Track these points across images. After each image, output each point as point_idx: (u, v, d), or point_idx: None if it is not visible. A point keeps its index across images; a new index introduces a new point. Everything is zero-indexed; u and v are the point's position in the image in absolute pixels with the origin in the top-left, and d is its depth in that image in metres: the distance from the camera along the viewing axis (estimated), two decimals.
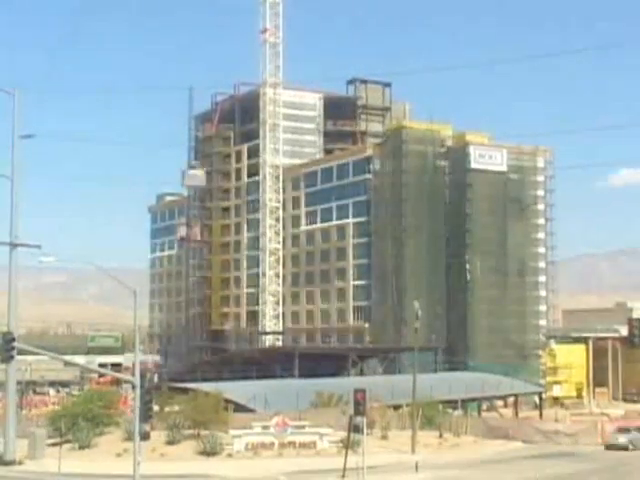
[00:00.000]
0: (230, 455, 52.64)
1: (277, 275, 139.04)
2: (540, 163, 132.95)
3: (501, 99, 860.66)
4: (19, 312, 52.95)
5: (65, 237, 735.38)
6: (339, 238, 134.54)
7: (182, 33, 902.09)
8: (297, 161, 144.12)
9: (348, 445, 46.56)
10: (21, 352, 43.58)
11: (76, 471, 46.89)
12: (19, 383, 69.51)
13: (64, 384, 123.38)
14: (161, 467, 47.07)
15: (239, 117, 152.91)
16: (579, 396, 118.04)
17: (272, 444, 53.80)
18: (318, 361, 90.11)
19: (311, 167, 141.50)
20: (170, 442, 54.15)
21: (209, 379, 78.65)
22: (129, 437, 47.12)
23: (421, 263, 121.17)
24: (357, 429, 45.00)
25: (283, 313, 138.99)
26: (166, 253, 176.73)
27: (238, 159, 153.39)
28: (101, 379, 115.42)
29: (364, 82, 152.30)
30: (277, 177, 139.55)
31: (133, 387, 40.83)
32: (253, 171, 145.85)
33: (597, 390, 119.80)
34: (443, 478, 46.58)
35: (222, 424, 55.72)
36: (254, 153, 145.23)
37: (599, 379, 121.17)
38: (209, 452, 52.24)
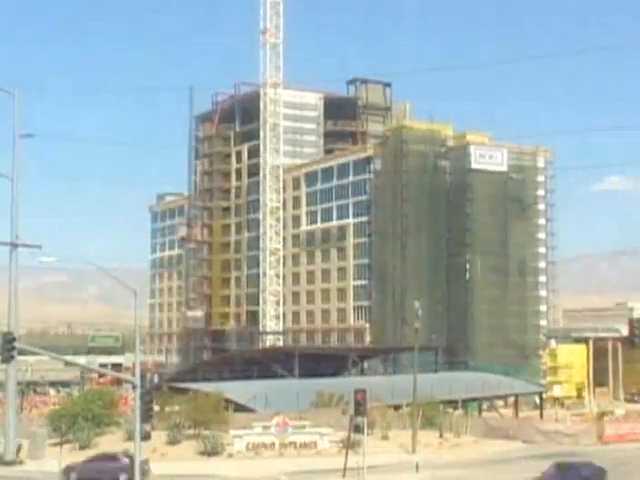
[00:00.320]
0: (231, 455, 52.67)
1: (277, 275, 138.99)
2: (540, 163, 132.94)
3: (501, 99, 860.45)
4: (19, 312, 52.94)
5: (65, 237, 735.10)
6: (339, 238, 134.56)
7: (182, 33, 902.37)
8: (297, 161, 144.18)
9: (349, 445, 46.56)
10: (21, 352, 43.58)
11: None
12: (20, 383, 69.47)
13: (64, 384, 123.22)
14: (162, 467, 47.05)
15: (239, 117, 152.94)
16: (579, 396, 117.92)
17: (273, 444, 53.84)
18: (318, 361, 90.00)
19: (311, 167, 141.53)
20: (171, 442, 54.19)
21: (210, 379, 78.56)
22: (130, 437, 47.09)
23: (422, 263, 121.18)
24: (358, 429, 45.05)
25: (284, 313, 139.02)
26: (166, 253, 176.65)
27: (238, 159, 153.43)
28: (101, 379, 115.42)
29: (364, 82, 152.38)
30: (277, 177, 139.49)
31: (133, 387, 40.82)
32: (253, 171, 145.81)
33: (597, 390, 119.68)
34: (444, 478, 46.60)
35: (223, 424, 55.76)
36: (254, 153, 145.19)
37: (599, 379, 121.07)
38: (210, 452, 52.27)
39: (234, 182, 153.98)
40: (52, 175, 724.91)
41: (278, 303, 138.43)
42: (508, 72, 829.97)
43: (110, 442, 54.46)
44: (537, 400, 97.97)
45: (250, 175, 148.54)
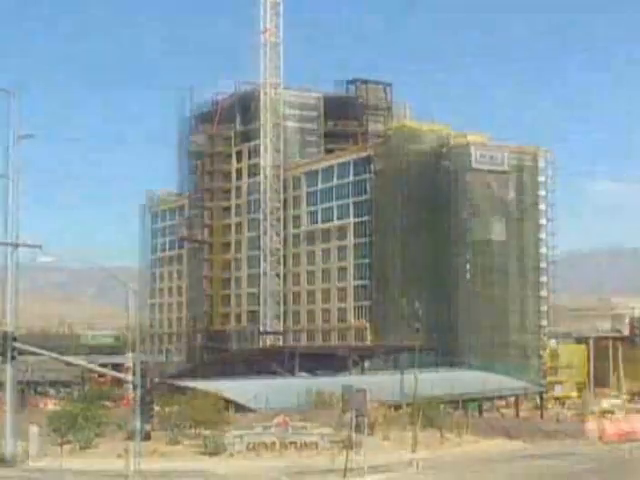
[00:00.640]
0: (231, 455, 52.55)
1: (278, 275, 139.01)
2: (541, 163, 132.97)
3: (501, 99, 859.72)
4: (19, 312, 52.87)
5: (65, 237, 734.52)
6: (340, 238, 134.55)
7: (182, 33, 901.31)
8: (298, 161, 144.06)
9: (349, 445, 46.51)
10: (21, 352, 43.51)
11: (76, 468, 46.85)
12: (20, 383, 69.39)
13: (65, 384, 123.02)
14: (162, 467, 46.98)
15: (239, 117, 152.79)
16: (580, 396, 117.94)
17: (273, 444, 53.72)
18: (319, 361, 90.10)
19: (312, 167, 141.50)
20: (171, 442, 54.06)
21: (210, 379, 78.59)
22: (130, 437, 47.05)
23: (422, 263, 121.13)
24: (358, 429, 44.98)
25: (284, 313, 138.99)
26: (166, 253, 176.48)
27: (238, 159, 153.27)
28: (102, 379, 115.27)
29: (365, 82, 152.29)
30: (278, 177, 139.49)
31: (134, 387, 40.74)
32: (253, 171, 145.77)
33: (598, 390, 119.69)
34: (444, 478, 46.54)
35: (223, 424, 55.67)
36: (254, 153, 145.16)
37: (600, 379, 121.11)
38: (210, 452, 52.14)
39: (234, 182, 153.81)
40: (52, 175, 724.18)
41: (278, 303, 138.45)
42: (508, 72, 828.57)
43: (110, 442, 54.32)
44: (538, 400, 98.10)
45: (250, 175, 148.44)
